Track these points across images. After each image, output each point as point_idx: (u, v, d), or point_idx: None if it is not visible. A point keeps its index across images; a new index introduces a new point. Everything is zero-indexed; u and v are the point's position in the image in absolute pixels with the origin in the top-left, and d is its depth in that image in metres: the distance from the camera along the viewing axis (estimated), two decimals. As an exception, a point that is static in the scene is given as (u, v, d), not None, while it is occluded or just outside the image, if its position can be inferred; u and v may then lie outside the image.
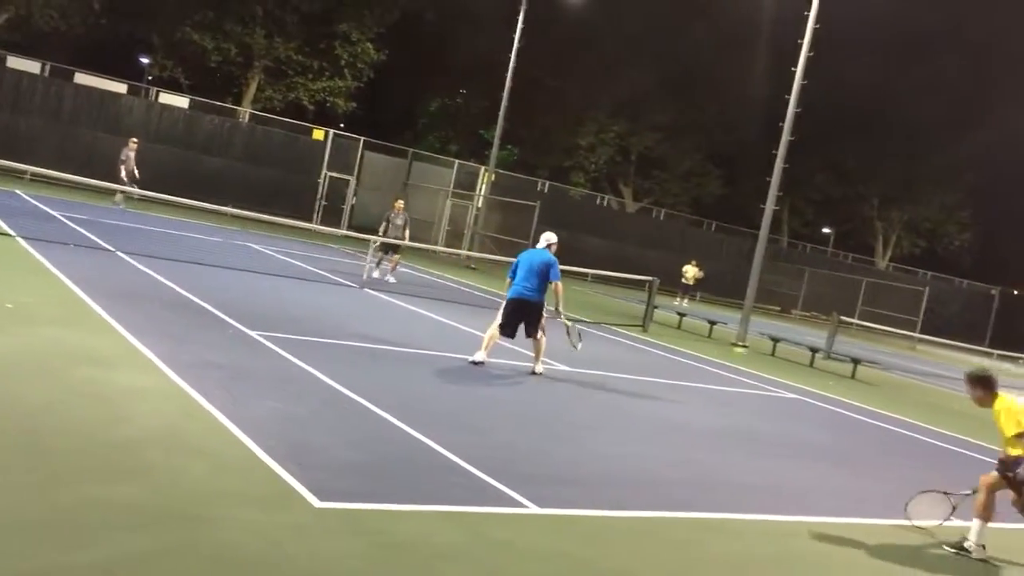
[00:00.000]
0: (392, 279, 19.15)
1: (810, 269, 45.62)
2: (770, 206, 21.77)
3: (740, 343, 21.41)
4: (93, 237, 16.39)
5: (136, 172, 24.74)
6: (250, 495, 5.07)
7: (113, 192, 24.60)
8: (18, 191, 23.46)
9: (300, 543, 4.54)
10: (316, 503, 5.07)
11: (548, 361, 12.57)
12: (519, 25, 30.37)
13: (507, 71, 30.63)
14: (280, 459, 5.66)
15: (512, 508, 5.72)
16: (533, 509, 5.76)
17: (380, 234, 19.81)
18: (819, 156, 44.44)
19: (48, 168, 19.77)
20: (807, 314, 44.56)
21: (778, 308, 45.65)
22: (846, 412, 13.58)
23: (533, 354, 11.21)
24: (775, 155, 21.50)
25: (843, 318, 23.69)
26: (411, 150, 38.82)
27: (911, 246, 54.13)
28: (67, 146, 28.74)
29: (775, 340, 20.92)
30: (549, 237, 11.62)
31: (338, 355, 9.78)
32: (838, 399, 14.81)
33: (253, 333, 9.94)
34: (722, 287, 40.76)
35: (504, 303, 11.28)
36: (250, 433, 6.09)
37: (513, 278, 11.29)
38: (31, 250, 13.06)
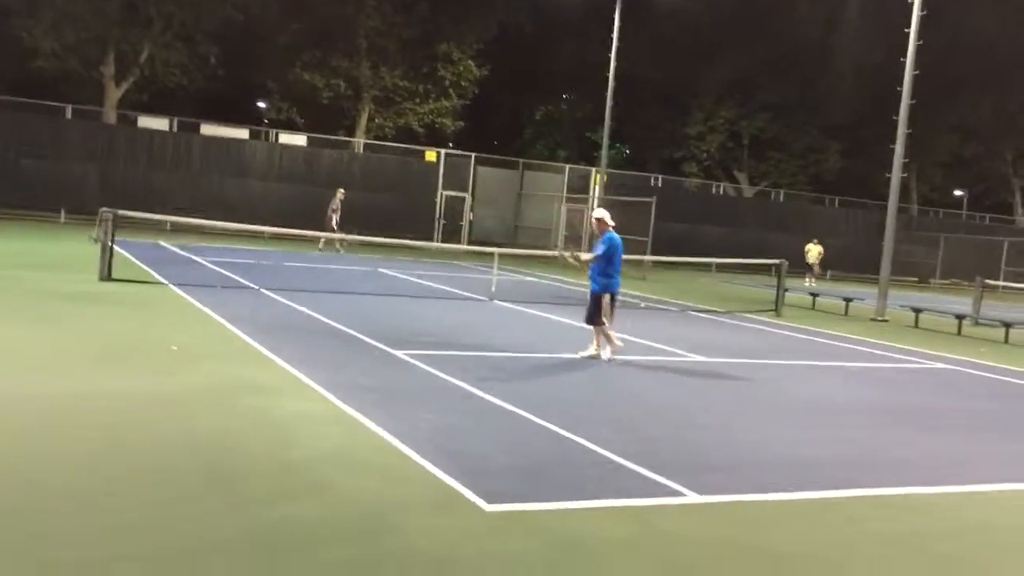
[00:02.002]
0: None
1: (945, 235, 43.77)
2: (896, 174, 21.09)
3: (880, 317, 20.78)
4: (236, 277, 17.28)
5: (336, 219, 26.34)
6: (423, 503, 5.33)
7: (256, 235, 25.89)
8: (161, 242, 24.90)
9: (477, 544, 4.75)
10: (486, 507, 5.28)
11: (686, 353, 12.57)
12: (616, 23, 30.35)
13: (608, 71, 30.65)
14: (444, 468, 5.91)
15: (673, 498, 5.79)
16: (693, 497, 5.82)
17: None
18: (944, 117, 42.53)
19: (184, 217, 20.95)
20: (947, 282, 42.72)
21: (915, 279, 43.93)
22: (1004, 378, 13.03)
23: (604, 340, 11.11)
24: (896, 121, 20.81)
25: (987, 281, 22.66)
26: (521, 160, 39.23)
27: (1053, 199, 51.11)
28: (198, 194, 30.33)
29: (917, 311, 20.19)
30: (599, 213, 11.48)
31: (478, 365, 10.03)
32: (993, 365, 14.21)
33: (398, 353, 10.32)
34: (852, 263, 39.55)
35: (608, 297, 11.11)
36: (412, 446, 6.37)
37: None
38: (183, 294, 13.89)
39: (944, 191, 52.03)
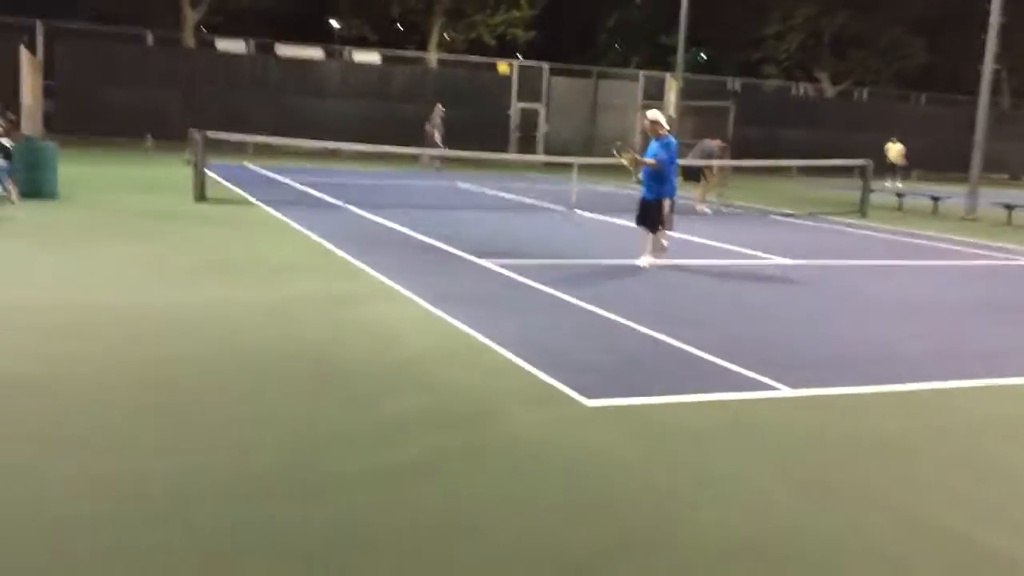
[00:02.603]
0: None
1: (1041, 129, 41.91)
2: (988, 65, 20.23)
3: (970, 216, 20.27)
4: (321, 195, 17.68)
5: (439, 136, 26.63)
6: (524, 397, 5.60)
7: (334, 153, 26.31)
8: (246, 163, 25.48)
9: (577, 434, 5.00)
10: (586, 401, 5.52)
11: (767, 255, 12.56)
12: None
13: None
14: (541, 366, 6.15)
15: (765, 392, 5.95)
16: (786, 391, 5.97)
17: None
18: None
19: (267, 137, 21.35)
20: (1042, 178, 41.10)
21: (1007, 176, 42.34)
22: (1101, 273, 12.72)
23: (654, 245, 11.02)
24: (987, 10, 19.87)
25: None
26: (595, 69, 38.62)
27: None
28: (278, 116, 30.74)
29: (1009, 207, 19.61)
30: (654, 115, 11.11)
31: (562, 272, 10.22)
32: (1090, 260, 13.85)
33: (483, 262, 10.58)
34: (941, 161, 38.25)
35: (670, 202, 11.02)
36: (507, 346, 6.63)
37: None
38: (275, 212, 14.34)
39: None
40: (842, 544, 3.85)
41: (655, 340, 7.18)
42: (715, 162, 19.20)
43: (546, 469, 4.51)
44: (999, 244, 15.50)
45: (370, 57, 34.28)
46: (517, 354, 6.45)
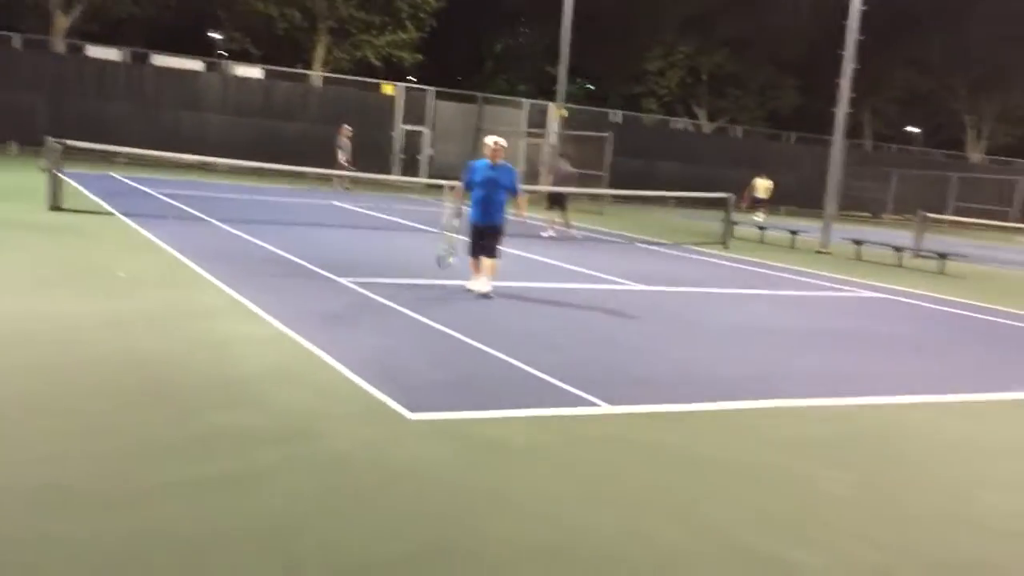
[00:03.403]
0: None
1: (898, 170, 44.50)
2: (842, 108, 21.46)
3: (824, 249, 21.38)
4: (188, 209, 17.37)
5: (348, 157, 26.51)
6: (352, 413, 5.71)
7: (208, 167, 25.85)
8: (112, 173, 24.77)
9: (398, 448, 5.14)
10: (409, 415, 5.67)
11: (621, 280, 13.02)
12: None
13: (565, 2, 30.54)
14: (376, 383, 6.28)
15: (588, 408, 6.23)
16: (606, 408, 6.26)
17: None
18: (898, 52, 42.95)
19: (133, 148, 20.84)
20: (899, 217, 43.52)
21: (868, 214, 44.75)
22: (927, 304, 13.65)
23: (487, 275, 10.61)
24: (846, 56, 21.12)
25: (932, 215, 23.30)
26: (480, 95, 39.10)
27: (1004, 136, 51.97)
28: (151, 127, 30.02)
29: (858, 243, 20.82)
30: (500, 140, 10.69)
31: (419, 292, 10.37)
32: (921, 293, 14.84)
33: (342, 280, 10.64)
34: (806, 198, 40.16)
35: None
36: (346, 364, 6.73)
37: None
38: (133, 224, 14.03)
39: (900, 126, 52.74)
40: (624, 544, 4.11)
41: (493, 358, 7.40)
42: (570, 189, 19.78)
43: (357, 481, 4.64)
44: (844, 276, 16.44)
45: (252, 72, 33.85)
46: (355, 372, 6.55)
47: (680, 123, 46.66)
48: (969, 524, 4.83)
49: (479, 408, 5.98)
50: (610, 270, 14.05)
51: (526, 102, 38.54)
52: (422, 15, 38.29)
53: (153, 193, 20.34)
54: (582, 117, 39.07)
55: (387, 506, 4.35)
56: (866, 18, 21.03)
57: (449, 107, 37.19)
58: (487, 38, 49.00)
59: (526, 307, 10.24)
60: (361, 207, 22.27)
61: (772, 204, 34.43)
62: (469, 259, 10.79)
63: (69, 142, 15.79)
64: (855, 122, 49.63)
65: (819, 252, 21.17)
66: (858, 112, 49.11)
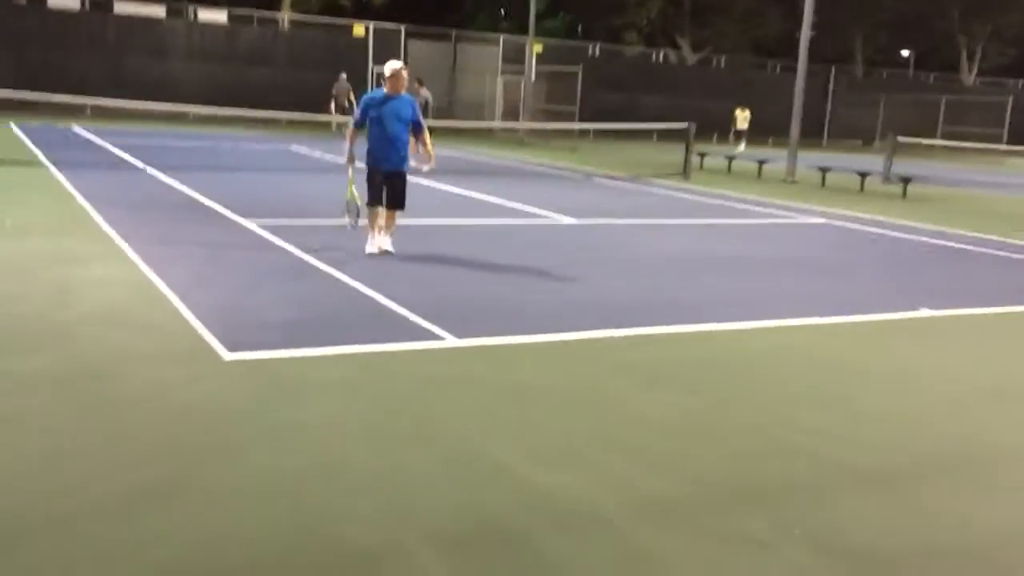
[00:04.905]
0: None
1: (886, 95, 43.57)
2: (806, 33, 20.82)
3: (790, 178, 20.92)
4: (130, 159, 17.00)
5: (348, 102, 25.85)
6: (164, 354, 5.42)
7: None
8: (75, 126, 24.36)
9: (194, 391, 4.85)
10: (225, 355, 5.38)
11: (551, 214, 12.65)
12: None
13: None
14: (210, 324, 5.98)
15: (431, 342, 5.92)
16: (452, 341, 5.95)
17: None
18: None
19: (91, 99, 20.47)
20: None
21: (860, 141, 43.98)
22: (870, 228, 13.25)
23: (388, 228, 9.10)
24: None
25: (920, 140, 22.74)
26: (454, 32, 38.27)
27: (999, 55, 50.72)
28: (117, 76, 29.50)
29: (824, 170, 20.33)
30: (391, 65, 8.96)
31: (326, 235, 9.94)
32: (869, 218, 14.41)
33: (246, 222, 10.32)
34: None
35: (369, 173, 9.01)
36: (192, 306, 6.41)
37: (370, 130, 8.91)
38: (59, 176, 13.68)
39: (892, 51, 51.54)
40: (389, 474, 3.82)
41: (363, 297, 7.08)
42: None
43: (123, 420, 4.37)
44: (798, 204, 16.00)
45: (216, 16, 33.15)
46: (196, 313, 6.24)
47: (662, 54, 45.66)
48: (768, 440, 4.52)
49: (308, 346, 5.68)
50: (547, 205, 13.65)
51: (501, 37, 37.71)
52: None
53: (104, 144, 19.95)
54: (561, 52, 38.27)
55: (139, 439, 4.09)
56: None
57: (422, 46, 36.47)
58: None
59: (427, 244, 9.83)
60: (317, 151, 21.84)
61: (759, 136, 33.82)
62: (367, 210, 9.05)
63: (11, 93, 15.40)
64: (845, 48, 48.57)
65: (784, 181, 20.69)
66: (849, 38, 48.05)
